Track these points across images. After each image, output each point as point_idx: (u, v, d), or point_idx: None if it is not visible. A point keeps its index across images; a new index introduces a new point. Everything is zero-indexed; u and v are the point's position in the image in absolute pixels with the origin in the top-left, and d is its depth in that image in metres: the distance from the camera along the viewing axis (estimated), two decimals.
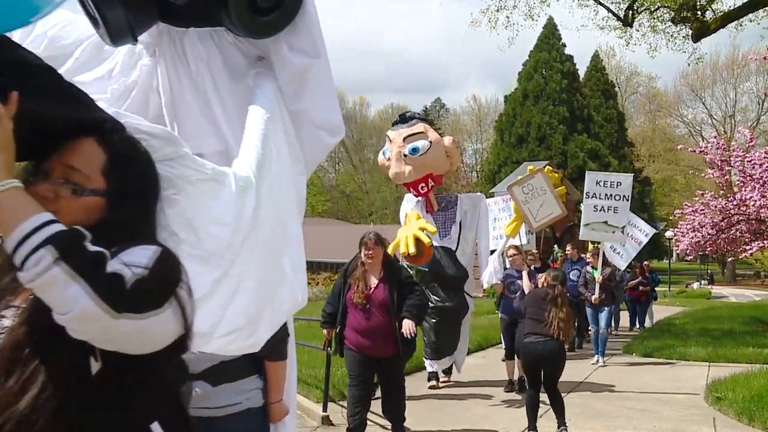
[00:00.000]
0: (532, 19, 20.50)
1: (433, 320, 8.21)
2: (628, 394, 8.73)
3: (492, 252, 9.24)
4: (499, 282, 8.72)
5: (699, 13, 17.04)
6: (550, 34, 44.28)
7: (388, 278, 5.67)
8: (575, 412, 7.44)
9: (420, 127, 8.24)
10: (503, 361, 9.19)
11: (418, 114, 8.91)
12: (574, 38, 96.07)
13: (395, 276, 5.71)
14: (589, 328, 12.35)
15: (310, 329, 13.80)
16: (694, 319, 18.39)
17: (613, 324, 14.59)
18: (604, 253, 11.28)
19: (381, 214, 61.56)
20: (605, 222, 10.92)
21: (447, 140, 8.32)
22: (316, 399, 7.78)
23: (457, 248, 8.39)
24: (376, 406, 6.33)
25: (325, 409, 7.19)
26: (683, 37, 19.10)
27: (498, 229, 10.26)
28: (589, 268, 11.61)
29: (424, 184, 8.25)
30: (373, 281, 5.69)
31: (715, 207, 16.65)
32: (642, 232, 12.73)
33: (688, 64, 22.96)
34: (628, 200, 11.03)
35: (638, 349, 12.45)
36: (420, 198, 8.51)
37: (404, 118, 8.50)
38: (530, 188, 8.65)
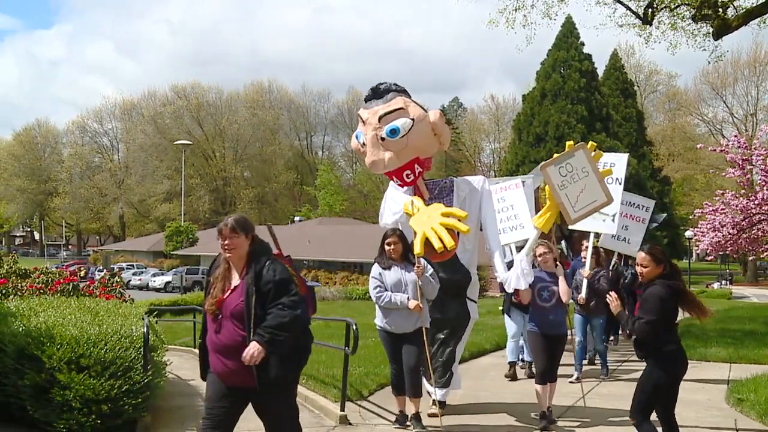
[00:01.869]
0: (550, 18, 20.43)
1: (429, 337, 6.74)
2: None
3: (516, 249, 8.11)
4: (527, 288, 6.84)
5: (720, 10, 16.87)
6: (569, 33, 44.04)
7: (252, 279, 4.29)
8: (594, 413, 7.38)
9: (398, 101, 6.64)
10: (535, 384, 7.03)
11: (396, 85, 7.00)
12: (593, 37, 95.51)
13: (261, 276, 4.30)
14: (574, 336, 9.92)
15: (327, 329, 13.84)
16: (714, 320, 18.17)
17: (612, 336, 13.14)
18: (596, 247, 9.75)
19: None
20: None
21: (433, 115, 6.71)
22: (333, 398, 7.79)
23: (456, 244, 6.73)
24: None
25: (342, 408, 7.20)
26: (704, 34, 18.94)
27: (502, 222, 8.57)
28: (585, 268, 9.58)
29: (409, 171, 6.72)
30: (234, 283, 4.38)
31: (736, 206, 16.47)
32: (641, 208, 11.05)
33: (709, 62, 22.72)
34: (621, 184, 9.49)
35: None
36: (407, 187, 7.02)
37: (378, 92, 6.85)
38: (569, 169, 6.80)
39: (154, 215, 75.12)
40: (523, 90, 52.13)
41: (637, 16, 18.90)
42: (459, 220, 6.36)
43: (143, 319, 7.45)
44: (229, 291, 4.34)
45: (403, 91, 6.94)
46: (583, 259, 9.70)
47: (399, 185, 7.00)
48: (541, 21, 20.70)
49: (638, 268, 5.66)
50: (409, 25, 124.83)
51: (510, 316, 9.85)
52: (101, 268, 49.27)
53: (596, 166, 6.85)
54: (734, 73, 55.77)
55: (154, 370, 6.90)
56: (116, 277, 14.78)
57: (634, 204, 11.09)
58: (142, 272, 49.85)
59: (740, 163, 15.85)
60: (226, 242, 4.36)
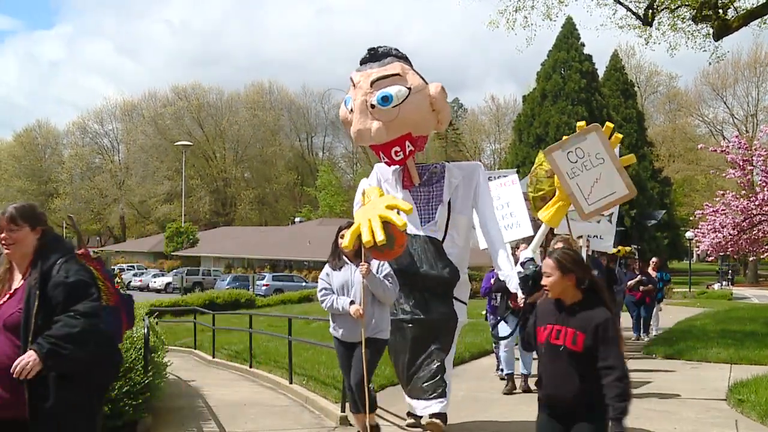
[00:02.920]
0: (551, 20, 20.42)
1: (410, 340, 5.91)
2: (648, 395, 8.65)
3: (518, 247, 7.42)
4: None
5: (720, 11, 16.86)
6: (569, 34, 44.09)
7: (37, 281, 3.38)
8: None
9: (396, 67, 5.76)
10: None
11: (397, 50, 6.13)
12: (593, 38, 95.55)
13: (49, 277, 3.37)
14: None
15: (328, 330, 13.83)
16: (715, 321, 18.20)
17: None
18: (588, 248, 8.78)
19: None
20: None
21: (433, 87, 5.80)
22: (334, 399, 7.80)
23: (444, 238, 5.94)
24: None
25: (343, 409, 7.20)
26: (704, 35, 18.93)
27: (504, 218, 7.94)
28: None
29: (399, 148, 5.73)
30: (15, 286, 3.50)
31: (737, 207, 16.48)
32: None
33: (710, 63, 22.71)
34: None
35: (659, 351, 12.35)
36: (395, 167, 6.09)
37: (376, 55, 5.95)
38: (580, 154, 5.79)
39: (155, 216, 75.14)
40: (524, 91, 52.18)
41: (638, 17, 18.90)
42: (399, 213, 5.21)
43: (144, 320, 7.46)
44: (7, 296, 3.43)
45: (404, 58, 5.99)
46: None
47: (386, 163, 5.98)
48: (542, 22, 20.62)
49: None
50: (410, 26, 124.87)
51: (507, 322, 8.96)
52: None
53: (614, 153, 5.87)
54: (735, 73, 55.78)
55: (155, 371, 6.90)
56: (117, 278, 14.76)
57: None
58: (142, 273, 49.84)
59: (741, 163, 15.85)
60: (3, 235, 3.45)
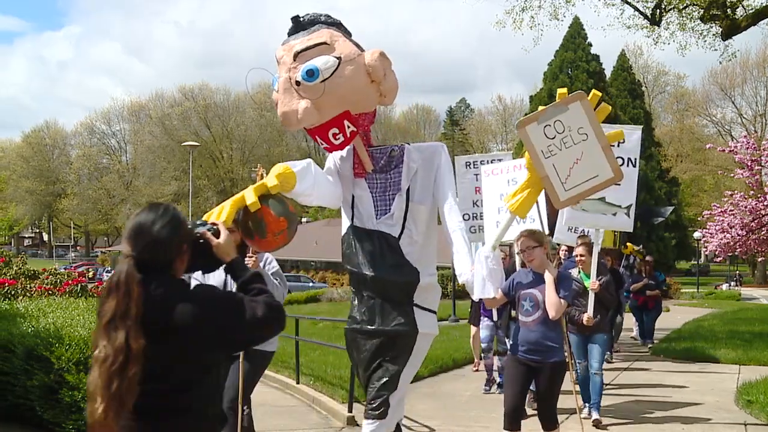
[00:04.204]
0: (557, 19, 20.40)
1: (364, 352, 4.79)
2: (656, 396, 8.62)
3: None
4: (496, 295, 4.92)
5: (729, 10, 16.79)
6: (576, 34, 44.00)
7: None
8: (604, 414, 7.36)
9: (323, 34, 4.69)
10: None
11: (328, 16, 5.00)
12: (600, 37, 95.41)
13: None
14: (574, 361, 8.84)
15: (335, 330, 13.84)
16: (723, 321, 18.13)
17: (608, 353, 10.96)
18: (596, 248, 7.61)
19: None
20: (602, 199, 7.30)
21: (370, 55, 4.68)
22: (341, 400, 7.79)
23: (402, 233, 4.79)
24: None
25: (350, 409, 7.20)
26: (713, 35, 18.85)
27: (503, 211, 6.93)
28: (575, 271, 7.63)
29: (337, 130, 4.73)
30: None
31: (745, 207, 16.42)
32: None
33: (720, 63, 22.60)
34: (636, 166, 7.63)
35: (667, 352, 12.30)
36: (348, 152, 4.99)
37: (301, 24, 4.83)
38: (559, 128, 4.82)
39: None
40: (531, 91, 52.11)
41: (645, 17, 18.85)
42: (269, 197, 4.06)
43: None
44: None
45: (336, 25, 4.88)
46: (577, 259, 7.70)
47: (327, 149, 4.91)
48: (549, 22, 20.61)
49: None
50: (418, 26, 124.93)
51: (507, 335, 8.17)
52: (109, 269, 49.41)
53: (600, 127, 4.80)
54: (743, 73, 55.55)
55: None
56: None
57: None
58: None
59: (749, 164, 15.80)
60: None
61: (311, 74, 4.55)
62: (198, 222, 2.87)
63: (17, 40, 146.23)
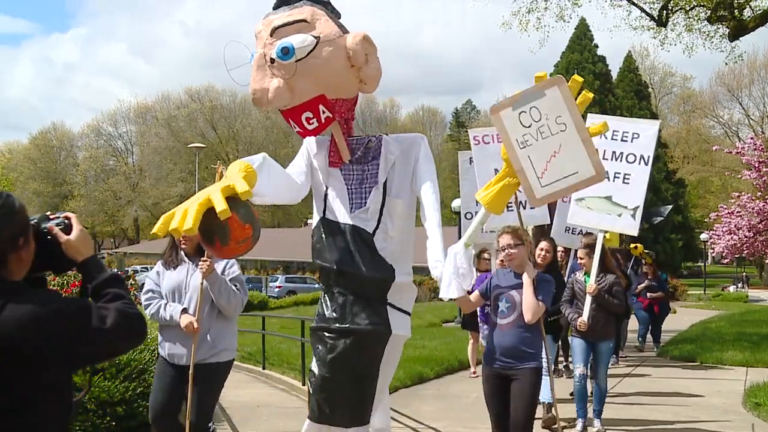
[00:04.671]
0: (564, 21, 20.34)
1: (329, 354, 4.29)
2: (663, 399, 8.59)
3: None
4: (469, 295, 4.88)
5: (736, 11, 16.74)
6: (582, 35, 43.99)
7: None
8: (610, 417, 7.33)
9: (304, 11, 4.36)
10: None
11: None
12: (607, 39, 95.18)
13: None
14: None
15: None
16: (730, 323, 18.06)
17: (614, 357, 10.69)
18: (598, 248, 7.07)
19: None
20: (608, 198, 6.85)
21: (353, 38, 4.27)
22: None
23: (377, 228, 4.40)
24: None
25: None
26: (720, 36, 18.80)
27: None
28: (580, 274, 7.23)
29: (311, 114, 4.37)
30: None
31: (752, 209, 16.37)
32: None
33: (726, 64, 22.52)
34: (648, 164, 7.05)
35: (673, 353, 12.26)
36: (326, 139, 4.64)
37: None
38: (535, 116, 4.40)
39: None
40: None
41: (652, 18, 18.80)
42: (234, 200, 3.56)
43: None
44: None
45: (322, 3, 4.51)
46: (580, 263, 7.23)
47: (299, 134, 4.50)
48: (555, 23, 20.60)
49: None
50: (424, 27, 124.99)
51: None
52: (116, 270, 49.56)
53: (580, 118, 4.33)
54: (750, 74, 55.36)
55: None
56: (131, 280, 14.86)
57: None
58: None
59: (756, 165, 15.75)
60: None
61: (286, 52, 4.21)
62: (47, 215, 2.48)
63: (24, 42, 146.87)
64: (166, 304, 4.91)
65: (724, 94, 56.88)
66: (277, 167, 4.07)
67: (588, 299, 6.78)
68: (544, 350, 4.92)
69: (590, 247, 7.09)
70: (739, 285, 43.21)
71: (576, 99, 4.33)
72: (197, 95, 79.00)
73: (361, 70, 4.33)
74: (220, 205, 3.43)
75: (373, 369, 4.25)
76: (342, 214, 4.37)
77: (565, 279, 8.29)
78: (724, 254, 19.73)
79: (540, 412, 6.65)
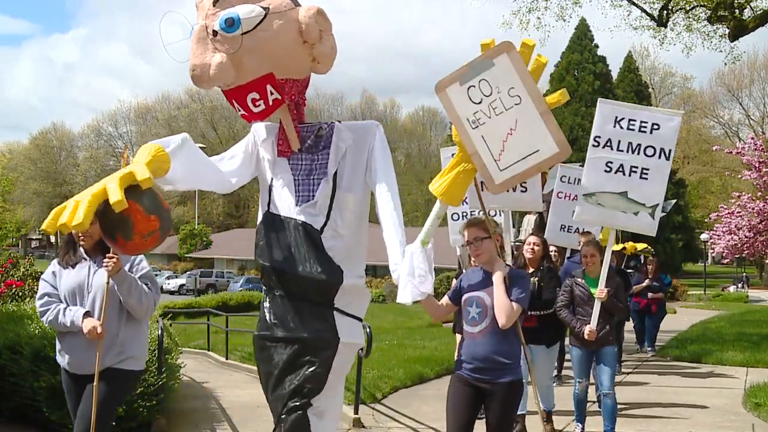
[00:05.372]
0: (564, 21, 20.39)
1: (275, 365, 3.81)
2: (663, 399, 8.59)
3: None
4: (430, 299, 3.96)
5: (736, 11, 16.75)
6: (582, 35, 44.00)
7: None
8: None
9: None
10: None
11: None
12: (607, 39, 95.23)
13: None
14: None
15: None
16: (730, 323, 18.06)
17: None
18: (609, 249, 6.42)
19: (411, 216, 61.52)
20: (623, 194, 6.19)
21: (306, 11, 3.82)
22: (347, 401, 7.78)
23: (325, 225, 3.86)
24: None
25: (356, 411, 7.18)
26: (720, 36, 18.81)
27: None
28: (579, 275, 6.52)
29: (258, 95, 3.85)
30: None
31: (753, 209, 16.37)
32: (573, 181, 8.48)
33: (725, 64, 22.54)
34: (669, 159, 6.28)
35: (673, 353, 12.26)
36: (267, 125, 4.14)
37: None
38: (487, 90, 3.86)
39: None
40: None
41: (652, 18, 18.82)
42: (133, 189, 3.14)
43: (158, 321, 7.48)
44: None
45: None
46: (586, 260, 6.53)
47: (244, 117, 3.97)
48: (555, 23, 20.64)
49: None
50: (424, 27, 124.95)
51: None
52: None
53: (536, 88, 3.81)
54: (750, 74, 55.41)
55: (169, 372, 6.92)
56: None
57: (569, 179, 8.63)
58: (156, 275, 49.95)
59: (757, 165, 15.75)
60: None
61: (230, 24, 3.72)
62: None
63: (25, 43, 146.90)
64: (65, 308, 4.31)
65: (724, 94, 56.94)
66: (199, 152, 3.66)
67: (597, 305, 6.18)
68: (523, 359, 4.37)
69: (594, 246, 6.56)
70: (739, 285, 43.20)
71: (529, 67, 3.80)
72: (197, 95, 79.10)
73: (315, 47, 3.86)
74: (115, 196, 3.04)
75: (321, 383, 3.71)
76: (287, 208, 3.87)
77: None
78: (724, 254, 19.74)
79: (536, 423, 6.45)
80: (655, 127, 6.24)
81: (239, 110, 3.93)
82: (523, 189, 6.80)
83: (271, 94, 3.86)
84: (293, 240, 3.81)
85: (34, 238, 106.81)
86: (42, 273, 4.79)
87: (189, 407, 7.99)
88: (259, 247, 3.84)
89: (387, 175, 3.84)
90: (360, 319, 3.94)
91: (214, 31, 3.72)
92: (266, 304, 3.81)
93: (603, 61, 44.24)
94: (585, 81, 42.42)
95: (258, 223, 3.90)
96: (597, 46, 44.63)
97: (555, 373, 8.59)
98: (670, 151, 6.23)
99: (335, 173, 3.88)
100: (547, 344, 6.55)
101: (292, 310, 3.79)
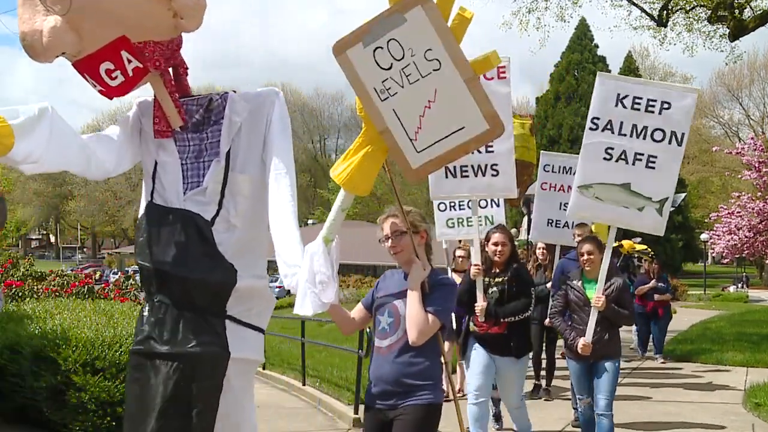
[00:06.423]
0: (564, 21, 20.39)
1: (153, 387, 3.09)
2: (663, 399, 8.59)
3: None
4: (325, 310, 3.05)
5: (736, 11, 16.75)
6: (582, 35, 44.00)
7: None
8: None
9: None
10: None
11: None
12: (607, 39, 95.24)
13: None
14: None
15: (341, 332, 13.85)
16: (730, 323, 18.06)
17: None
18: (609, 249, 5.63)
19: None
20: (625, 186, 5.34)
21: None
22: (347, 401, 7.79)
23: (216, 216, 3.22)
24: None
25: (356, 411, 7.19)
26: (720, 36, 18.82)
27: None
28: (575, 278, 5.74)
29: (112, 65, 3.14)
30: None
31: (753, 209, 16.38)
32: (564, 171, 7.96)
33: (726, 64, 22.55)
34: (682, 144, 5.35)
35: (673, 354, 12.25)
36: (149, 97, 3.49)
37: None
38: (398, 52, 2.94)
39: None
40: (537, 92, 52.05)
41: (652, 18, 18.82)
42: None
43: None
44: None
45: None
46: (583, 260, 5.64)
47: (102, 94, 3.27)
48: (555, 23, 20.67)
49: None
50: None
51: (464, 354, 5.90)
52: (116, 270, 49.56)
53: (459, 49, 2.94)
54: (750, 74, 55.37)
55: None
56: (131, 280, 14.86)
57: (553, 167, 8.03)
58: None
59: (756, 165, 15.76)
60: None
61: None
62: None
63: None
64: None
65: (724, 94, 56.91)
66: (67, 126, 2.96)
67: (593, 314, 5.38)
68: (445, 380, 3.66)
69: (592, 242, 5.67)
70: (739, 285, 43.16)
71: (449, 22, 2.93)
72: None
73: (173, 0, 3.03)
74: None
75: (209, 405, 3.05)
76: (173, 198, 3.24)
77: (551, 283, 7.62)
78: (724, 254, 19.75)
79: None
80: (665, 106, 5.24)
81: (94, 85, 3.26)
82: (494, 172, 5.91)
83: (129, 62, 3.18)
84: (178, 235, 3.17)
85: (33, 238, 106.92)
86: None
87: None
88: (138, 245, 3.21)
89: (284, 153, 3.20)
90: (261, 330, 3.28)
91: None
92: (145, 313, 3.16)
93: (603, 61, 44.20)
94: (585, 81, 42.36)
95: (139, 216, 3.28)
96: (597, 46, 44.61)
97: (544, 385, 8.31)
98: (683, 135, 5.28)
99: (228, 152, 3.26)
100: (516, 355, 5.47)
101: (175, 320, 3.12)
